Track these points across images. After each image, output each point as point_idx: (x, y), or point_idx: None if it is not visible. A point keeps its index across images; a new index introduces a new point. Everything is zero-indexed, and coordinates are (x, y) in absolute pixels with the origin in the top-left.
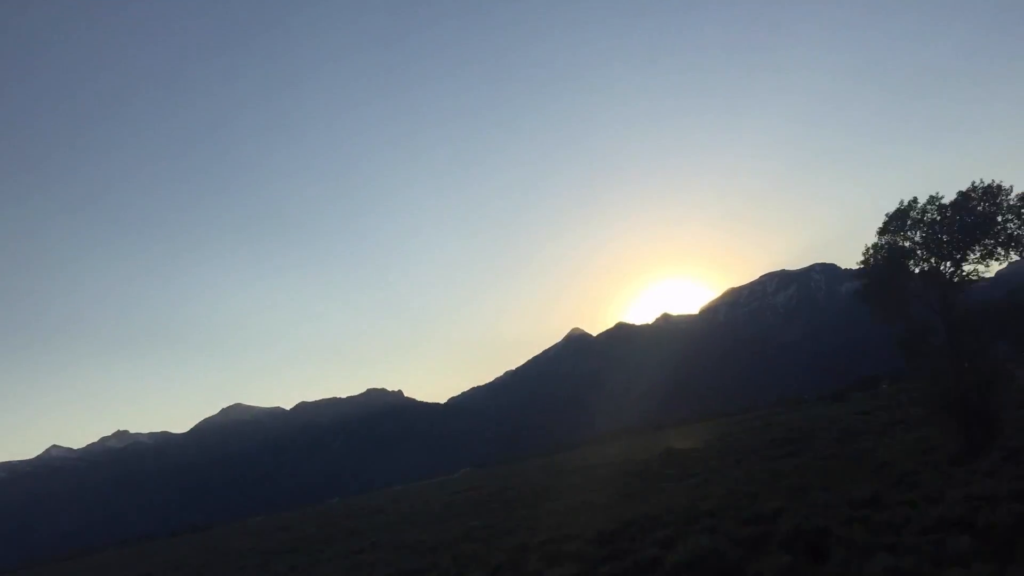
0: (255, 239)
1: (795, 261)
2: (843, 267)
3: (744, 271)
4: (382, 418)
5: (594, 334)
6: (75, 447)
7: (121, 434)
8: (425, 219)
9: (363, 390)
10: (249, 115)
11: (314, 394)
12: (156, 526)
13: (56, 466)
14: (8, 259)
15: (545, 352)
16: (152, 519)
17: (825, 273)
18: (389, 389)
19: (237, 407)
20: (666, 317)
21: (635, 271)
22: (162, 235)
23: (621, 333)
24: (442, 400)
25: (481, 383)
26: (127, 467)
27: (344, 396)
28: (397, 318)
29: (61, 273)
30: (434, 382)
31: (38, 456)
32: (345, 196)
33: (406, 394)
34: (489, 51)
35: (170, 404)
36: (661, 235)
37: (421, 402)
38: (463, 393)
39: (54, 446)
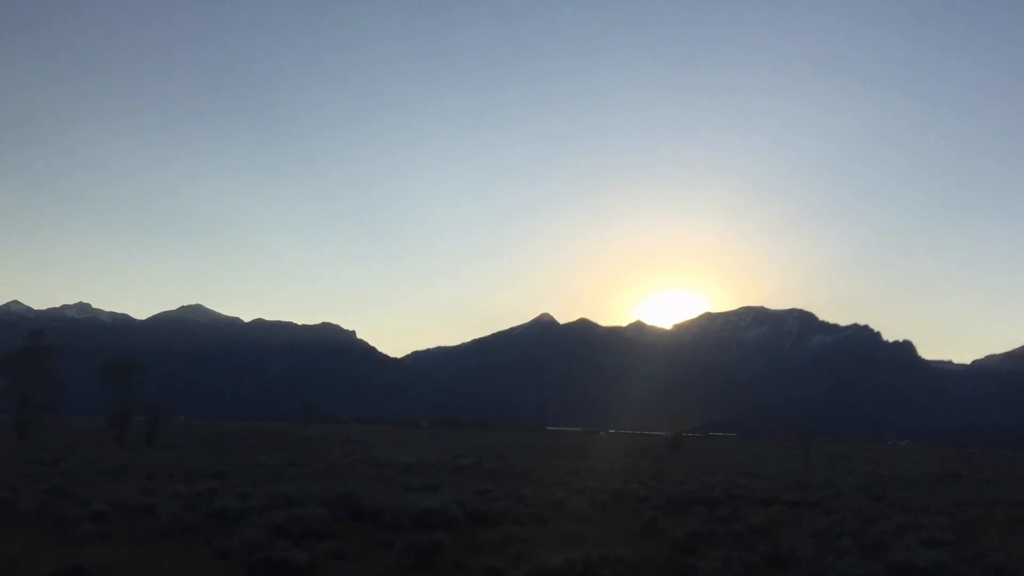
0: (262, 148)
1: (775, 300)
2: (820, 318)
3: (729, 298)
4: (328, 353)
5: (562, 323)
6: (35, 307)
7: (82, 306)
8: (434, 168)
9: (318, 322)
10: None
11: (273, 314)
12: (91, 402)
13: (12, 322)
14: (12, 111)
15: (512, 329)
16: (87, 395)
17: (801, 320)
18: (343, 327)
19: (197, 308)
20: (639, 325)
21: (629, 272)
22: (167, 118)
23: (585, 328)
24: (397, 354)
25: (442, 344)
26: (79, 339)
27: (299, 323)
28: (378, 261)
29: (60, 133)
30: (395, 335)
31: None
32: (360, 124)
33: (358, 336)
34: (541, 14)
35: (135, 288)
36: (662, 241)
37: (371, 346)
38: (427, 350)
39: (15, 301)
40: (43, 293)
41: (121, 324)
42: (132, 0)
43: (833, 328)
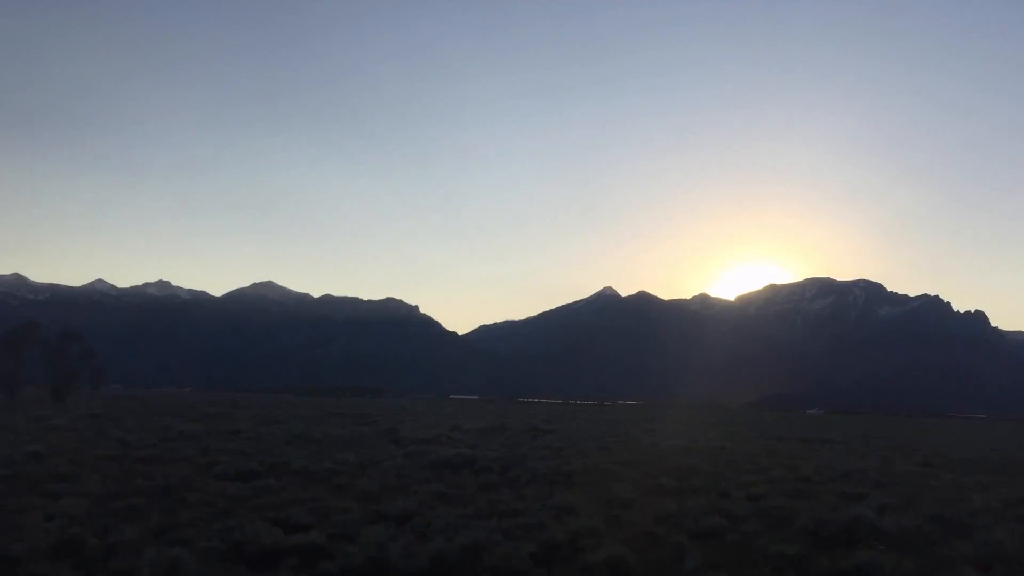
0: (330, 126)
1: (842, 271)
2: (889, 288)
3: (796, 269)
4: (390, 328)
5: (623, 296)
6: (119, 285)
7: (163, 284)
8: (500, 141)
9: (382, 297)
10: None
11: (345, 290)
12: (177, 375)
13: (97, 299)
14: (99, 97)
15: (575, 303)
16: (171, 368)
17: (867, 291)
18: (407, 302)
19: (269, 284)
20: (703, 298)
21: (695, 244)
22: (238, 99)
23: (646, 301)
24: (464, 328)
25: (509, 319)
26: (159, 315)
27: (365, 299)
28: (446, 237)
29: (142, 119)
30: (462, 310)
31: (83, 286)
32: (424, 97)
33: (422, 310)
34: None
35: (213, 266)
36: (728, 213)
37: (433, 321)
38: (491, 325)
39: (100, 280)
40: (126, 272)
41: (199, 301)
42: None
43: (902, 299)
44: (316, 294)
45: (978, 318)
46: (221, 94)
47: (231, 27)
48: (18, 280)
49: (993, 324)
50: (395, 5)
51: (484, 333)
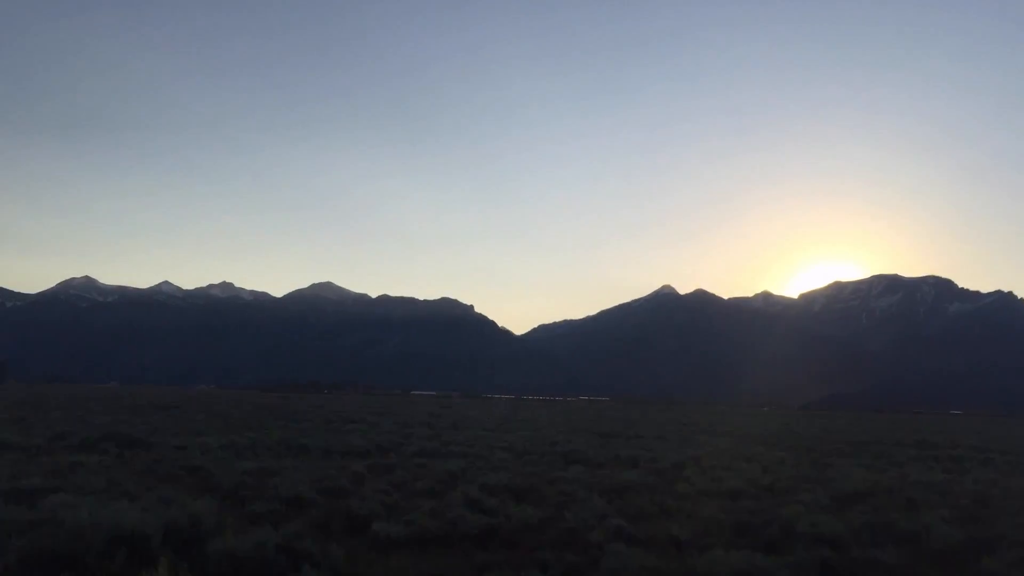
0: (394, 131)
1: (911, 267)
2: (960, 285)
3: (862, 266)
4: (445, 327)
5: (682, 295)
6: (184, 287)
7: (226, 285)
8: (557, 143)
9: (438, 297)
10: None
11: (401, 290)
12: (240, 375)
13: (162, 300)
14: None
15: (632, 302)
16: (234, 368)
17: (937, 288)
18: (462, 301)
19: (328, 285)
20: (766, 296)
21: (759, 242)
22: (302, 109)
23: (704, 300)
24: (524, 327)
25: (568, 318)
26: (223, 316)
27: (421, 298)
28: (506, 238)
29: (210, 128)
30: (522, 309)
31: (150, 287)
32: (483, 101)
33: (477, 310)
34: None
35: (274, 267)
36: (794, 210)
37: (488, 320)
38: (549, 324)
39: (166, 282)
40: (191, 273)
41: (260, 301)
42: (289, 10)
43: (973, 295)
44: (374, 294)
45: None
46: (281, 97)
47: (292, 31)
48: (88, 283)
49: None
50: (452, 7)
51: (542, 332)
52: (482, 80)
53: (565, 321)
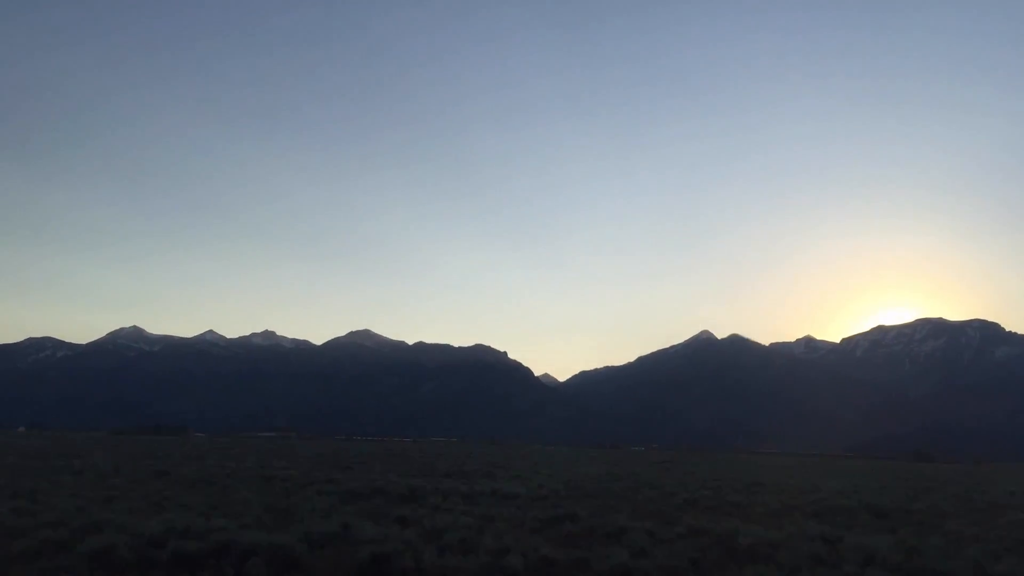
0: (424, 176)
1: (957, 311)
2: (1008, 328)
3: (907, 310)
4: (477, 374)
5: (719, 340)
6: (228, 336)
7: (268, 334)
8: (593, 186)
9: (472, 343)
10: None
11: (437, 336)
12: (269, 420)
13: (204, 349)
14: (198, 162)
15: (669, 348)
16: (272, 415)
17: (982, 331)
18: (495, 348)
19: (365, 332)
20: (808, 340)
21: (802, 285)
22: (338, 152)
23: (741, 345)
24: (562, 374)
25: (610, 364)
26: (265, 363)
27: (455, 345)
28: (543, 284)
29: (249, 177)
30: (558, 357)
31: (194, 336)
32: (520, 146)
33: (510, 356)
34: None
35: (315, 316)
36: (838, 252)
37: (522, 367)
38: (587, 371)
39: (210, 331)
40: (234, 322)
41: (301, 349)
42: (316, 50)
43: (1021, 339)
44: (411, 341)
45: None
46: (317, 143)
47: (328, 80)
48: (136, 332)
49: None
50: (485, 53)
51: (580, 379)
52: (517, 123)
53: (605, 368)
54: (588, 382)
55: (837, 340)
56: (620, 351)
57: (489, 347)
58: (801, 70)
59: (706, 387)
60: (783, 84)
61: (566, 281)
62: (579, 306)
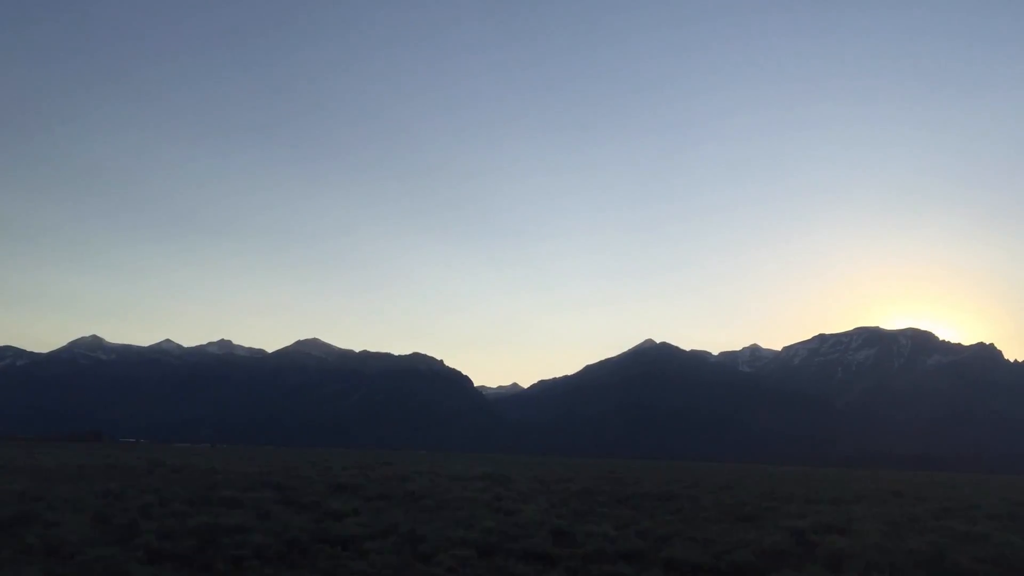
0: (391, 187)
1: (895, 320)
2: (942, 337)
3: (845, 319)
4: (410, 381)
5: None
6: (185, 345)
7: (224, 343)
8: (543, 193)
9: (410, 352)
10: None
11: (385, 344)
12: (210, 429)
13: (160, 358)
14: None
15: (603, 362)
16: (206, 422)
17: (915, 340)
18: (433, 356)
19: (313, 342)
20: (754, 349)
21: (745, 295)
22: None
23: (661, 354)
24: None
25: (547, 377)
26: (213, 374)
27: (396, 353)
28: (487, 294)
29: (205, 179)
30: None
31: (150, 346)
32: (466, 165)
33: (447, 364)
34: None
35: (270, 325)
36: (783, 261)
37: (461, 375)
38: (552, 379)
39: (167, 340)
40: (195, 331)
41: (253, 358)
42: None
43: (955, 348)
44: (358, 350)
45: None
46: (276, 154)
47: (280, 93)
48: (95, 342)
49: None
50: (439, 67)
51: (538, 388)
52: (470, 135)
53: (563, 376)
54: (545, 390)
55: (779, 348)
56: (558, 364)
57: (425, 355)
58: (742, 80)
59: (628, 397)
60: (721, 95)
61: (527, 293)
62: (540, 316)
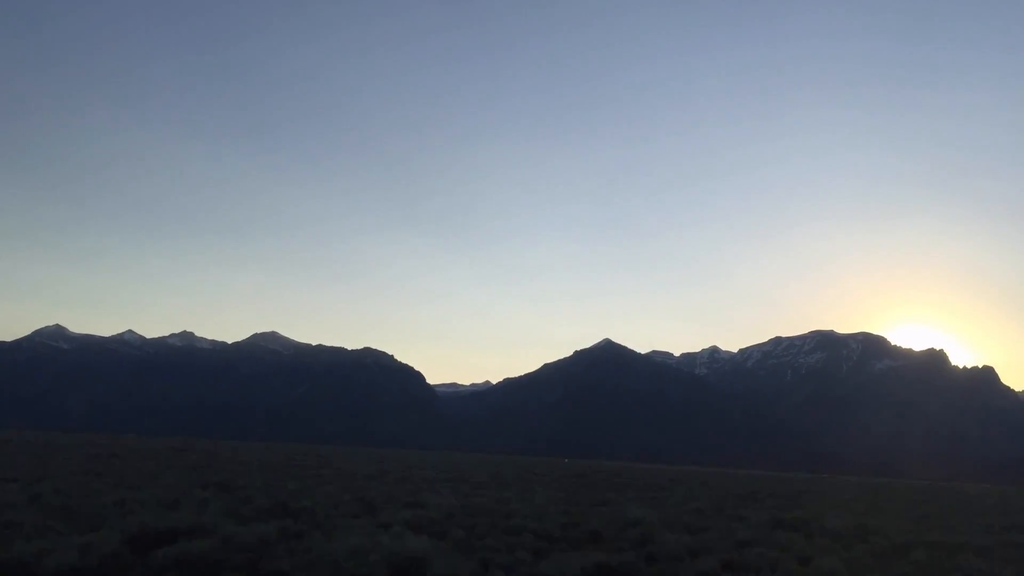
0: (357, 180)
1: (849, 324)
2: (894, 343)
3: (807, 322)
4: (364, 375)
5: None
6: (147, 335)
7: (186, 335)
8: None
9: (362, 346)
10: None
11: (340, 340)
12: (165, 423)
13: (118, 348)
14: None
15: (557, 361)
16: (161, 414)
17: (865, 344)
18: (384, 351)
19: (271, 335)
20: (713, 350)
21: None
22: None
23: (611, 354)
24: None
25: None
26: (180, 364)
27: (349, 348)
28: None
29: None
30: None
31: (112, 336)
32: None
33: (397, 358)
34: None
35: (233, 316)
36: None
37: (412, 371)
38: (516, 377)
39: (129, 331)
40: (159, 322)
41: (213, 350)
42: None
43: (905, 353)
44: (315, 343)
45: (985, 373)
46: (237, 145)
47: (242, 96)
48: (58, 331)
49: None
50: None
51: (502, 385)
52: (435, 130)
53: (521, 376)
54: (506, 387)
55: (735, 350)
56: (529, 362)
57: (374, 350)
58: (699, 83)
59: (569, 396)
60: (695, 100)
61: (498, 289)
62: (514, 314)
